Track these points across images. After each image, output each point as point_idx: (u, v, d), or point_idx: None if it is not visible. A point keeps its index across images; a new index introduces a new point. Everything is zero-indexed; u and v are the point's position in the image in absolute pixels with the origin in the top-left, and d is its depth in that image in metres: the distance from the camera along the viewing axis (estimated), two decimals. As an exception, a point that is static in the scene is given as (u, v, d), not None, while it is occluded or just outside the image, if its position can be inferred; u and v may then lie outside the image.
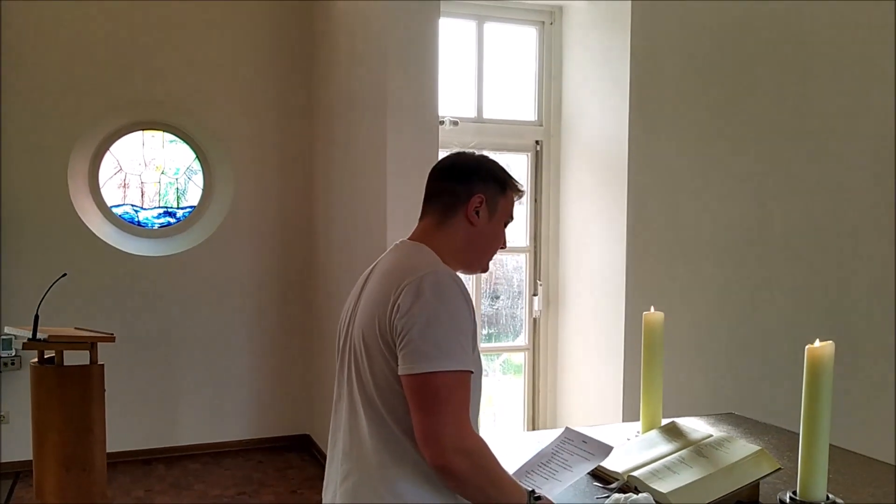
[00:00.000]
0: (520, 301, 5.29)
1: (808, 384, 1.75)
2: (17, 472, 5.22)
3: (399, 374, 1.56)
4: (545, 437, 2.00)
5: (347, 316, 1.78)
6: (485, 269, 1.86)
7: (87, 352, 3.80)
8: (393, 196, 4.25)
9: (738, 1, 4.42)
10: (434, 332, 1.53)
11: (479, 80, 5.02)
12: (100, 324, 4.66)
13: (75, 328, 4.21)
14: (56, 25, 5.33)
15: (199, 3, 5.64)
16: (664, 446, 2.03)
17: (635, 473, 1.89)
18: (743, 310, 4.54)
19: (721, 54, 4.49)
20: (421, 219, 1.80)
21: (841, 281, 4.48)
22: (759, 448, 1.88)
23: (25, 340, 3.72)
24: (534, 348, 5.21)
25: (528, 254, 5.17)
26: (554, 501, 1.68)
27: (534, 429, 5.13)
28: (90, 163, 5.64)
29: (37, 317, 3.74)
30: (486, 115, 5.03)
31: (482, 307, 5.15)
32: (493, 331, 5.34)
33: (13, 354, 5.27)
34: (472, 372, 1.57)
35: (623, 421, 4.05)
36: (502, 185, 1.80)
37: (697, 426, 2.25)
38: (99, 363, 3.82)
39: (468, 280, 4.71)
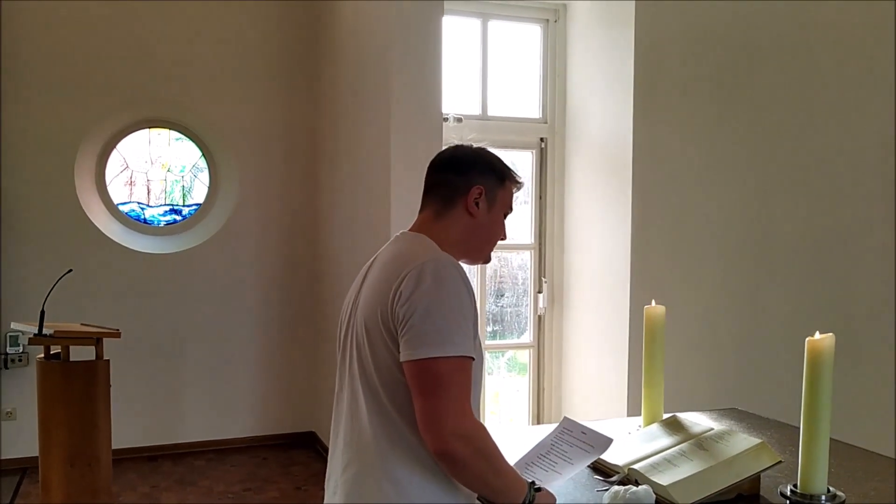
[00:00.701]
0: (525, 298, 5.29)
1: (809, 376, 1.75)
2: (23, 469, 5.25)
3: (401, 360, 1.56)
4: (549, 432, 2.00)
5: (349, 307, 1.79)
6: (486, 261, 1.86)
7: (93, 347, 3.81)
8: (397, 193, 4.26)
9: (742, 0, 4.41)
10: (435, 318, 1.54)
11: (484, 78, 5.03)
12: (105, 320, 4.68)
13: (81, 324, 4.23)
14: (63, 24, 5.36)
15: (205, 3, 5.66)
16: (665, 439, 2.03)
17: (636, 466, 1.89)
18: (746, 305, 4.54)
19: (725, 51, 4.48)
20: (420, 211, 1.81)
21: (843, 276, 4.47)
22: (760, 441, 1.88)
23: (31, 336, 3.74)
24: (539, 345, 5.22)
25: (532, 251, 5.17)
26: (553, 493, 1.68)
27: (539, 424, 5.13)
28: (97, 160, 5.67)
29: (42, 312, 3.76)
30: (490, 113, 5.04)
31: (487, 305, 5.15)
32: (498, 328, 5.34)
33: (20, 351, 5.30)
34: (473, 358, 1.58)
35: (628, 416, 4.04)
36: (501, 176, 1.80)
37: (699, 420, 2.25)
38: (104, 359, 3.83)
39: (473, 276, 4.72)
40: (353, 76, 5.07)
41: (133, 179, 5.86)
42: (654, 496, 1.74)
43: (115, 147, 5.75)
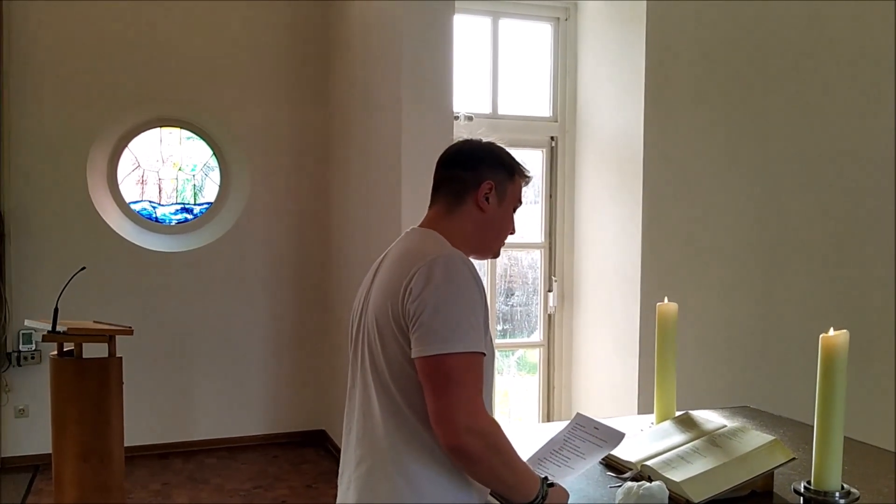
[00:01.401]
0: (535, 297, 5.29)
1: (823, 373, 1.75)
2: (36, 465, 5.28)
3: (412, 357, 1.56)
4: (560, 429, 2.00)
5: (360, 303, 1.79)
6: (496, 255, 1.87)
7: (106, 345, 3.83)
8: (407, 192, 4.27)
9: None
10: (445, 314, 1.54)
11: (494, 76, 5.03)
12: (117, 318, 4.69)
13: (94, 321, 4.25)
14: (75, 23, 5.39)
15: (217, 3, 5.68)
16: (678, 436, 2.03)
17: (649, 463, 1.89)
18: (757, 302, 4.52)
19: (736, 50, 4.47)
20: (430, 207, 1.81)
21: (856, 273, 4.45)
22: (774, 438, 1.88)
23: (45, 333, 3.76)
24: (549, 344, 5.21)
25: (542, 250, 5.17)
26: (566, 488, 1.68)
27: (549, 423, 5.13)
28: (109, 159, 5.70)
29: (56, 310, 3.78)
30: (500, 111, 5.04)
31: (497, 304, 5.15)
32: (508, 327, 5.34)
33: (33, 348, 5.33)
34: (484, 354, 1.58)
35: (638, 414, 4.04)
36: (510, 170, 1.80)
37: (711, 418, 2.25)
38: (117, 356, 3.85)
39: (483, 275, 4.72)
40: (363, 75, 5.08)
41: (145, 178, 5.89)
42: (668, 492, 1.73)
43: (126, 146, 5.78)
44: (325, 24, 5.90)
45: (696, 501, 1.73)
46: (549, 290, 5.15)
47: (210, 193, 6.02)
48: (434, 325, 1.53)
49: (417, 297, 1.55)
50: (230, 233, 5.84)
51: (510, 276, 5.36)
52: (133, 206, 5.82)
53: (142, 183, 5.88)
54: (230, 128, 5.83)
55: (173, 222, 5.94)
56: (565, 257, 5.12)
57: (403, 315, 1.58)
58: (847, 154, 4.45)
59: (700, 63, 4.45)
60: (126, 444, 3.97)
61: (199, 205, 6.00)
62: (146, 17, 5.53)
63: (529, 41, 5.17)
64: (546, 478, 1.65)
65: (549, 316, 5.18)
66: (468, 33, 5.00)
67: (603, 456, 1.81)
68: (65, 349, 3.86)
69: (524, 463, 1.64)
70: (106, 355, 3.82)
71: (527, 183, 1.85)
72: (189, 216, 5.98)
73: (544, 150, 5.11)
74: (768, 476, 1.84)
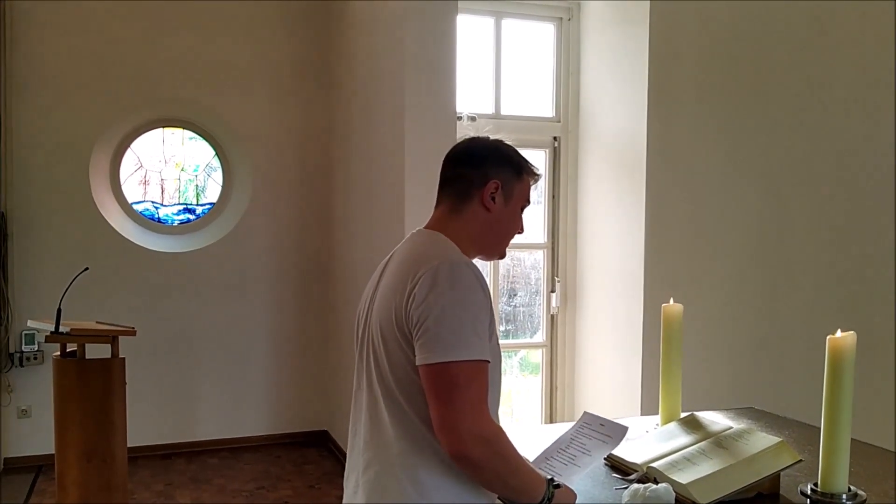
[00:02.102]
0: (537, 298, 5.28)
1: (830, 374, 1.74)
2: (39, 466, 5.28)
3: (416, 364, 1.55)
4: (563, 430, 1.99)
5: (365, 306, 1.77)
6: (502, 256, 1.83)
7: (109, 345, 3.82)
8: (411, 192, 4.26)
9: (758, -4, 4.39)
10: (450, 321, 1.52)
11: (497, 77, 5.03)
12: (120, 318, 4.69)
13: (97, 322, 4.25)
14: (77, 24, 5.39)
15: (219, 3, 5.68)
16: (683, 438, 2.02)
17: (655, 464, 1.88)
18: (762, 303, 4.51)
19: (739, 49, 4.46)
20: (436, 206, 1.78)
21: (861, 274, 4.44)
22: (780, 440, 1.87)
23: (48, 334, 3.76)
24: (551, 345, 5.21)
25: (545, 250, 5.16)
26: (573, 488, 1.67)
27: (551, 424, 5.13)
28: (111, 160, 5.70)
29: (59, 310, 3.78)
30: (503, 112, 5.04)
31: (500, 305, 5.15)
32: (510, 328, 5.33)
33: (35, 349, 5.33)
34: (488, 361, 1.56)
35: (641, 415, 4.03)
36: (518, 169, 1.77)
37: (717, 419, 2.24)
38: (120, 357, 3.84)
39: (486, 273, 4.72)
40: (366, 75, 5.07)
41: (147, 178, 5.89)
42: (674, 494, 1.73)
43: (129, 146, 5.78)
44: (328, 24, 5.89)
45: (703, 503, 1.72)
46: (552, 291, 5.14)
47: (212, 194, 6.02)
48: (438, 331, 1.51)
49: (422, 303, 1.54)
50: (233, 233, 5.84)
51: (513, 277, 5.36)
52: (136, 207, 5.82)
53: (144, 183, 5.87)
54: (233, 128, 5.83)
55: (176, 223, 5.94)
56: (568, 258, 5.12)
57: (407, 321, 1.57)
58: (852, 154, 4.43)
59: (703, 63, 4.44)
60: (129, 445, 3.96)
61: (201, 205, 6.00)
62: (149, 18, 5.53)
63: (532, 41, 5.17)
64: (552, 478, 1.63)
65: (552, 316, 5.18)
66: (471, 33, 5.00)
67: (608, 452, 1.79)
68: (68, 350, 3.86)
69: (529, 466, 1.63)
70: (109, 356, 3.82)
71: (535, 181, 1.82)
72: (191, 217, 5.98)
73: (547, 150, 5.11)
74: (775, 478, 1.83)
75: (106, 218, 5.54)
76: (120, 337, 3.88)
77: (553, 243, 5.14)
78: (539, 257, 5.22)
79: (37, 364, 5.35)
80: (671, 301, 2.28)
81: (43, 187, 5.36)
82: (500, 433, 1.55)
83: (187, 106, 5.75)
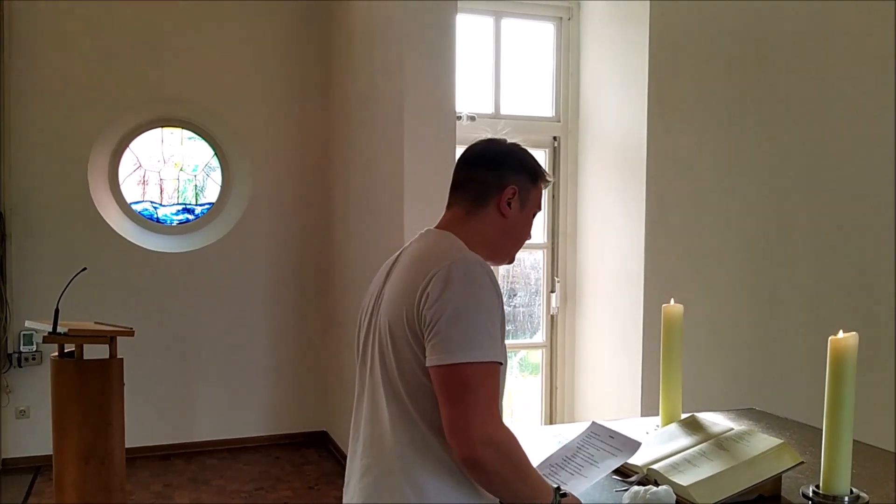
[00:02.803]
0: (537, 298, 5.27)
1: (832, 375, 1.73)
2: (37, 467, 5.26)
3: (427, 365, 1.52)
4: (564, 431, 1.98)
5: (370, 308, 1.74)
6: (511, 261, 1.81)
7: (107, 346, 3.81)
8: (410, 193, 4.25)
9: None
10: (464, 322, 1.49)
11: (497, 76, 5.01)
12: (119, 319, 4.68)
13: (95, 322, 4.23)
14: (76, 23, 5.38)
15: (219, 3, 5.66)
16: (684, 439, 2.01)
17: (655, 466, 1.87)
18: (762, 303, 4.50)
19: (739, 49, 4.45)
20: (448, 207, 1.75)
21: (863, 274, 4.43)
22: (782, 441, 1.86)
23: (46, 334, 3.75)
24: (551, 345, 5.20)
25: (545, 250, 5.15)
26: (580, 498, 1.65)
27: (551, 425, 5.11)
28: (110, 159, 5.68)
29: (57, 310, 3.77)
30: (503, 111, 5.02)
31: (499, 304, 5.13)
32: (510, 328, 5.32)
33: (33, 349, 5.32)
34: (501, 363, 1.54)
35: (642, 416, 4.02)
36: (534, 176, 1.75)
37: (718, 421, 2.23)
38: (118, 357, 3.83)
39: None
40: (366, 75, 5.06)
41: (146, 178, 5.87)
42: (675, 496, 1.72)
43: (128, 146, 5.76)
44: (327, 24, 5.88)
45: (704, 505, 1.71)
46: (552, 291, 5.13)
47: (211, 194, 6.00)
48: (451, 332, 1.49)
49: (435, 303, 1.51)
50: (232, 233, 5.83)
51: (513, 277, 5.35)
52: (134, 207, 5.81)
53: (143, 183, 5.86)
54: (232, 128, 5.82)
55: (175, 223, 5.92)
56: (568, 258, 5.11)
57: (419, 321, 1.54)
58: (853, 155, 4.42)
59: (703, 63, 4.43)
60: (127, 446, 3.95)
61: (200, 205, 5.99)
62: (148, 17, 5.52)
63: (532, 41, 5.15)
64: (558, 487, 1.61)
65: (552, 317, 5.17)
66: (471, 33, 4.99)
67: (618, 465, 1.77)
68: (66, 350, 3.85)
69: (538, 473, 1.60)
70: (107, 356, 3.81)
71: (546, 187, 1.80)
72: (190, 216, 5.97)
73: (547, 150, 5.10)
74: (776, 480, 1.82)
75: (104, 218, 5.52)
76: (118, 337, 3.87)
77: (553, 243, 5.13)
78: (539, 257, 5.20)
79: (35, 365, 5.34)
80: (671, 302, 2.27)
81: (41, 187, 5.35)
82: (511, 437, 1.53)
83: (186, 106, 5.73)
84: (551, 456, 1.85)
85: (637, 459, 1.93)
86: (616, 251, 4.66)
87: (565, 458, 1.82)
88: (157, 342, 5.58)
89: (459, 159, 1.78)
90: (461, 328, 1.49)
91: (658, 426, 2.25)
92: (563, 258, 5.11)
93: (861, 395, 1.82)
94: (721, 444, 1.92)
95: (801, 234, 4.49)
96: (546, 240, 5.13)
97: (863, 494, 1.76)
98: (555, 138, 5.09)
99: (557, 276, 5.12)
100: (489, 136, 1.81)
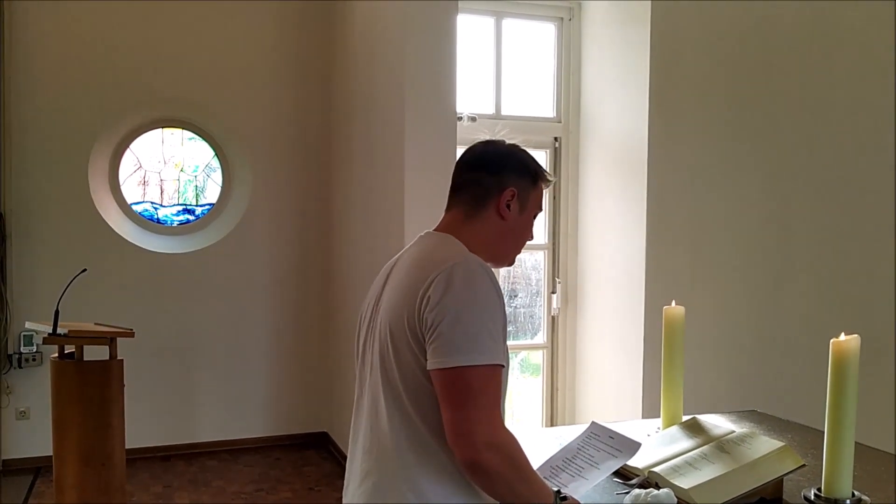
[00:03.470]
0: (538, 299, 5.27)
1: (834, 378, 1.72)
2: (37, 468, 5.26)
3: (428, 368, 1.51)
4: (564, 433, 1.97)
5: (370, 310, 1.73)
6: (511, 263, 1.80)
7: (107, 347, 3.81)
8: (411, 193, 4.24)
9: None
10: (465, 324, 1.48)
11: (498, 77, 5.01)
12: (119, 320, 4.67)
13: (95, 323, 4.23)
14: (76, 24, 5.37)
15: (218, 3, 5.66)
16: (685, 442, 2.00)
17: (656, 469, 1.86)
18: (765, 305, 4.49)
19: (741, 50, 4.44)
20: (447, 210, 1.74)
21: (865, 276, 4.42)
22: (783, 444, 1.85)
23: (46, 335, 3.74)
24: (552, 346, 5.19)
25: (546, 251, 5.14)
26: (581, 501, 1.64)
27: (552, 426, 5.11)
28: (110, 160, 5.68)
29: (57, 312, 3.76)
30: (504, 112, 5.02)
31: (500, 305, 5.12)
32: (511, 329, 5.31)
33: (34, 350, 5.31)
34: (503, 365, 1.53)
35: (643, 418, 4.01)
36: (534, 177, 1.74)
37: (719, 423, 2.22)
38: (118, 359, 3.83)
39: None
40: (366, 76, 5.05)
41: (146, 179, 5.87)
42: (676, 499, 1.71)
43: (128, 147, 5.76)
44: (328, 25, 5.87)
45: (705, 509, 1.70)
46: (553, 292, 5.13)
47: (212, 194, 6.00)
48: (453, 335, 1.48)
49: (436, 306, 1.50)
50: (232, 234, 5.82)
51: (513, 278, 5.34)
52: (135, 208, 5.80)
53: (143, 184, 5.86)
54: (232, 129, 5.81)
55: (175, 223, 5.92)
56: (569, 259, 5.10)
57: (420, 324, 1.53)
58: (855, 154, 4.41)
59: (705, 63, 4.42)
60: (127, 447, 3.94)
61: (200, 206, 5.98)
62: (148, 18, 5.51)
63: (533, 41, 5.15)
64: (559, 490, 1.60)
65: (553, 318, 5.16)
66: (471, 33, 4.98)
67: (618, 466, 1.76)
68: (66, 351, 3.84)
69: (540, 477, 1.59)
70: (107, 357, 3.80)
71: (547, 186, 1.79)
72: (191, 217, 5.96)
73: (548, 150, 5.09)
74: (777, 483, 1.81)
75: (105, 219, 5.52)
76: (118, 338, 3.86)
77: (554, 244, 5.12)
78: (540, 258, 5.20)
79: (35, 365, 5.33)
80: (673, 303, 2.26)
81: (42, 188, 5.34)
82: (514, 441, 1.52)
83: (187, 106, 5.73)
84: (552, 457, 1.84)
85: (638, 462, 1.92)
86: (617, 252, 4.65)
87: (565, 459, 1.81)
88: (157, 343, 5.57)
89: (458, 162, 1.76)
90: (463, 331, 1.48)
91: (659, 428, 2.24)
92: (564, 259, 5.11)
93: (863, 398, 1.81)
94: (722, 446, 1.91)
95: (802, 236, 4.47)
96: (547, 240, 5.12)
97: (865, 497, 1.75)
98: (556, 139, 5.08)
99: (558, 277, 5.11)
100: (487, 137, 1.80)
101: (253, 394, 5.91)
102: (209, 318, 5.77)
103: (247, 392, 5.89)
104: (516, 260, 1.84)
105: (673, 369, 2.24)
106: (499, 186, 1.69)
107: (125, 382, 3.87)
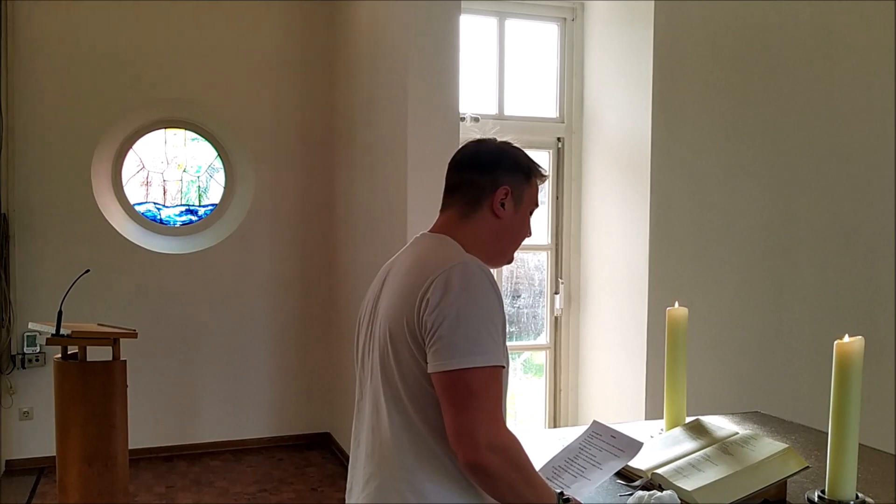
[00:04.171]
0: (541, 300, 5.25)
1: (838, 380, 1.71)
2: (40, 468, 5.27)
3: (429, 371, 1.50)
4: (567, 434, 1.97)
5: (368, 313, 1.72)
6: (509, 261, 1.79)
7: (110, 348, 3.81)
8: (414, 194, 4.24)
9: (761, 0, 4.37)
10: (465, 326, 1.48)
11: (501, 77, 5.00)
12: (122, 321, 4.68)
13: (98, 324, 4.23)
14: (79, 24, 5.38)
15: (222, 4, 5.66)
16: (689, 444, 2.00)
17: (659, 471, 1.86)
18: (768, 306, 4.48)
19: (744, 50, 4.44)
20: (442, 211, 1.73)
21: (867, 277, 4.41)
22: (787, 446, 1.85)
23: (49, 336, 3.74)
24: (555, 347, 5.18)
25: (549, 252, 5.13)
26: (582, 502, 1.64)
27: (555, 427, 5.10)
28: (113, 161, 5.69)
29: (60, 312, 3.76)
30: (507, 112, 5.01)
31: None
32: (514, 329, 5.30)
33: (37, 351, 5.32)
34: (504, 367, 1.53)
35: (646, 419, 4.01)
36: (527, 173, 1.73)
37: (722, 424, 2.21)
38: (121, 359, 3.83)
39: (489, 278, 4.68)
40: (369, 76, 5.05)
41: (149, 180, 5.87)
42: (679, 501, 1.70)
43: (131, 147, 5.76)
44: (331, 26, 5.87)
45: (708, 511, 1.70)
46: (556, 293, 5.12)
47: (215, 195, 6.00)
48: (453, 337, 1.47)
49: (435, 309, 1.49)
50: (235, 234, 5.82)
51: (516, 278, 5.33)
52: (137, 208, 5.81)
53: (146, 184, 5.86)
54: (235, 129, 5.82)
55: (178, 224, 5.92)
56: (572, 259, 5.09)
57: (420, 327, 1.52)
58: (857, 156, 4.41)
59: (708, 64, 4.42)
60: (130, 447, 3.95)
61: (203, 206, 5.98)
62: (151, 19, 5.52)
63: (536, 42, 5.14)
64: (562, 492, 1.59)
65: (556, 318, 5.15)
66: (474, 34, 4.97)
67: (621, 466, 1.76)
68: (69, 352, 3.85)
69: (542, 478, 1.58)
70: (110, 358, 3.80)
71: (543, 182, 1.78)
72: (194, 218, 5.96)
73: (551, 151, 5.08)
74: (781, 485, 1.81)
75: (108, 219, 5.52)
76: (121, 339, 3.86)
77: (557, 244, 5.11)
78: (542, 258, 5.19)
79: (38, 366, 5.33)
80: (676, 304, 2.26)
81: (44, 189, 5.35)
82: (516, 442, 1.52)
83: (189, 107, 5.73)
84: (553, 458, 1.83)
85: (641, 464, 1.92)
86: (620, 252, 4.64)
87: (567, 459, 1.81)
88: (160, 344, 5.58)
89: (450, 162, 1.76)
90: (463, 333, 1.48)
91: (662, 430, 2.24)
92: (566, 259, 5.10)
93: (867, 399, 1.80)
94: (726, 448, 1.90)
95: (805, 237, 4.47)
96: (550, 241, 5.11)
97: (868, 499, 1.75)
98: (558, 139, 5.07)
99: (561, 278, 5.10)
100: (479, 136, 1.79)
101: (256, 394, 5.92)
102: (212, 319, 5.77)
103: (249, 393, 5.89)
104: (519, 260, 1.84)
105: (676, 371, 2.24)
106: (492, 185, 1.68)
107: (128, 383, 3.87)
